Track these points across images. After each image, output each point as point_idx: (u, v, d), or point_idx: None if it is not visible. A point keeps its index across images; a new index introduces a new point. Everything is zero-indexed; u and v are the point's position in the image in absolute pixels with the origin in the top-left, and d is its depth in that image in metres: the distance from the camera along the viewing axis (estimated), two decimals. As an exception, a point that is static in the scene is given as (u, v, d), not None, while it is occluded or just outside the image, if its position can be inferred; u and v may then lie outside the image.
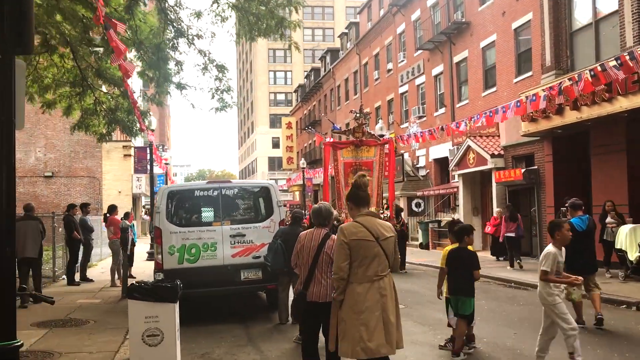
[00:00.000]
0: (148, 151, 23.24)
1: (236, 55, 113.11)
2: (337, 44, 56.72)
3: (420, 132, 21.13)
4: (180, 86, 14.95)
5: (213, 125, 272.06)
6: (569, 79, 13.37)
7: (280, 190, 56.95)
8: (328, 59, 49.65)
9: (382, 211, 17.54)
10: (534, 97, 14.62)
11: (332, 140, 16.59)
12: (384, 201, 18.33)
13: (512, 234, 16.64)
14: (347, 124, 36.01)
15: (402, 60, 32.55)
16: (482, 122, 22.26)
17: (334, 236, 5.31)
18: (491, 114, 16.58)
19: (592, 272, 9.14)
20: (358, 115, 15.75)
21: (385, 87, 35.32)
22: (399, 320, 5.07)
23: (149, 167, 23.13)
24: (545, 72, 18.22)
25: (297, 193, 53.97)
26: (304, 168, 42.60)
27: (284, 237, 8.97)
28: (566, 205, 10.25)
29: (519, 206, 20.41)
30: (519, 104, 15.37)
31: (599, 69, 12.24)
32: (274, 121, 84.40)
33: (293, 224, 9.65)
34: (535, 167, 18.82)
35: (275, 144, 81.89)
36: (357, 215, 5.02)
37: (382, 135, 17.95)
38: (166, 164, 36.37)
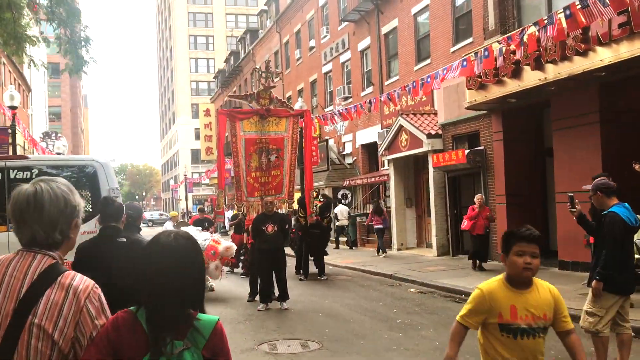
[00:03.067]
0: (9, 132, 18.57)
1: (156, 42, 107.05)
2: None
3: (345, 109, 17.57)
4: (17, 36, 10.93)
5: (135, 118, 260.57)
6: (535, 25, 10.09)
7: (197, 183, 51.86)
8: (247, 40, 45.54)
9: (314, 206, 13.90)
10: (487, 53, 11.31)
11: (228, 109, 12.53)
12: (315, 193, 14.71)
13: (380, 226, 18.50)
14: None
15: (325, 36, 29.04)
16: (417, 98, 19.06)
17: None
18: (429, 80, 13.19)
19: (632, 291, 5.79)
20: (263, 73, 11.84)
21: (308, 67, 31.73)
22: None
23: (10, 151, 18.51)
24: (489, 38, 15.06)
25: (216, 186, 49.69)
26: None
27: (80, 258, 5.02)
28: (592, 186, 6.06)
29: (461, 195, 17.27)
30: (465, 63, 12.04)
31: (579, 5, 8.98)
32: (196, 111, 79.37)
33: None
34: (481, 147, 15.66)
35: (198, 135, 76.87)
36: None
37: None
38: (58, 153, 31.27)
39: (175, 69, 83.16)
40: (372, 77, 24.35)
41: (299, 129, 13.70)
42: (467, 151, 15.54)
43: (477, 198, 14.01)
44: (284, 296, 10.56)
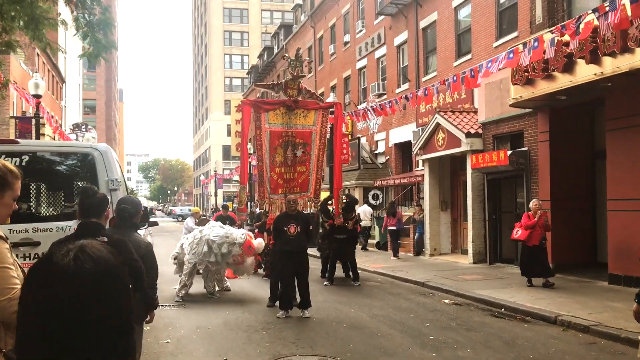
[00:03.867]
0: (34, 123, 18.12)
1: (192, 38, 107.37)
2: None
3: (379, 104, 16.61)
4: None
5: (170, 113, 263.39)
6: (594, 12, 8.99)
7: (227, 179, 51.57)
8: (281, 35, 44.83)
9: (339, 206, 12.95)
10: (536, 44, 10.24)
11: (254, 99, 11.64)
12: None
13: (394, 227, 18.85)
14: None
15: (361, 30, 28.06)
16: (456, 95, 18.01)
17: None
18: (472, 73, 12.16)
19: None
20: (292, 62, 10.92)
21: (342, 62, 30.80)
22: None
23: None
24: (536, 32, 13.92)
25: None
26: (251, 154, 37.73)
27: None
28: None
29: (501, 199, 16.15)
30: (511, 54, 10.99)
31: (649, -14, 7.89)
32: (229, 107, 79.01)
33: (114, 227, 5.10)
34: (525, 148, 14.53)
35: (230, 132, 76.56)
36: None
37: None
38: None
39: (210, 65, 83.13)
40: (408, 73, 23.33)
41: (330, 126, 12.83)
42: (509, 152, 14.43)
43: (534, 204, 12.05)
44: (305, 303, 9.67)
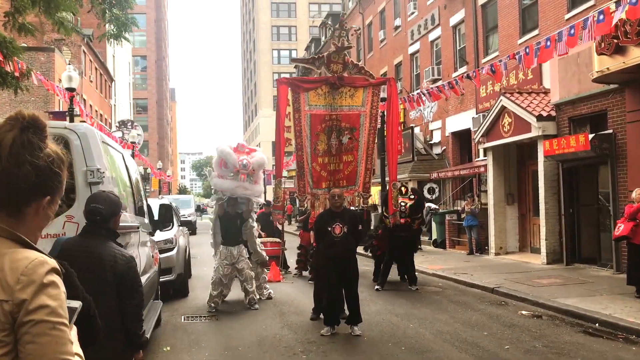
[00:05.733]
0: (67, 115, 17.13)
1: (240, 35, 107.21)
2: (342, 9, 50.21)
3: (437, 87, 14.79)
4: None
5: (221, 111, 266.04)
6: None
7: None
8: (329, 25, 43.24)
9: (402, 205, 11.33)
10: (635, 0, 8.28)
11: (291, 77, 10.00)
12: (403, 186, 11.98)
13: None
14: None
15: (413, 12, 26.16)
16: (523, 75, 16.00)
17: None
18: (548, 43, 10.25)
19: None
20: (336, 30, 9.20)
21: (393, 48, 28.99)
22: None
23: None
24: (618, -3, 11.86)
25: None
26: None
27: None
28: None
29: (579, 191, 14.12)
30: (602, 16, 9.04)
31: None
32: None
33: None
34: (610, 130, 12.46)
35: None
36: None
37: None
38: (132, 142, 30.17)
39: (258, 61, 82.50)
40: (466, 55, 21.37)
41: (381, 114, 11.15)
42: (590, 136, 12.40)
43: (637, 193, 9.61)
44: (355, 318, 8.06)
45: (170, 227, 9.51)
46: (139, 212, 7.46)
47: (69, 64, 18.94)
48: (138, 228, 6.32)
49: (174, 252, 11.00)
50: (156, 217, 8.61)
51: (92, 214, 3.78)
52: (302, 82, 9.71)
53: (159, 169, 46.07)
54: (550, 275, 12.52)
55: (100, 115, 42.30)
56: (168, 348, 7.49)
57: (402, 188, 11.95)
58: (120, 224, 5.39)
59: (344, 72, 9.45)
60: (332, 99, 9.46)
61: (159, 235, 10.04)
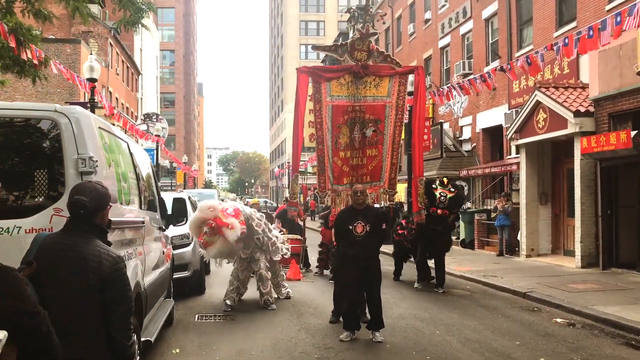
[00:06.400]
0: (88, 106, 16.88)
1: (268, 30, 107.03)
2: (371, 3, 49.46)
3: (468, 81, 14.12)
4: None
5: (249, 106, 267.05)
6: None
7: (302, 171, 50.32)
8: (353, 10, 42.57)
9: (442, 196, 10.79)
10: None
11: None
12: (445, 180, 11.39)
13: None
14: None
15: (444, 5, 25.42)
16: (559, 69, 15.29)
17: None
18: (591, 32, 9.55)
19: None
20: (360, 15, 8.66)
21: (422, 42, 28.27)
22: None
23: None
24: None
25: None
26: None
27: None
28: None
29: (619, 191, 13.33)
30: (651, 1, 8.33)
31: None
32: (305, 99, 77.78)
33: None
34: (654, 127, 11.69)
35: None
36: None
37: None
38: (156, 135, 29.99)
39: (285, 56, 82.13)
40: (499, 48, 20.59)
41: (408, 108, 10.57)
42: (633, 133, 11.62)
43: None
44: (377, 323, 7.51)
45: (184, 222, 9.06)
46: (149, 206, 7.04)
47: (91, 53, 18.64)
48: (142, 223, 5.87)
49: (190, 247, 10.59)
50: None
51: (76, 206, 3.31)
52: (323, 71, 9.17)
53: (184, 162, 46.01)
54: (586, 280, 11.80)
55: (127, 108, 42.34)
56: (177, 350, 7.06)
57: (444, 179, 11.46)
58: (120, 219, 4.98)
59: (369, 60, 8.90)
60: (356, 89, 8.92)
61: (174, 231, 9.64)
